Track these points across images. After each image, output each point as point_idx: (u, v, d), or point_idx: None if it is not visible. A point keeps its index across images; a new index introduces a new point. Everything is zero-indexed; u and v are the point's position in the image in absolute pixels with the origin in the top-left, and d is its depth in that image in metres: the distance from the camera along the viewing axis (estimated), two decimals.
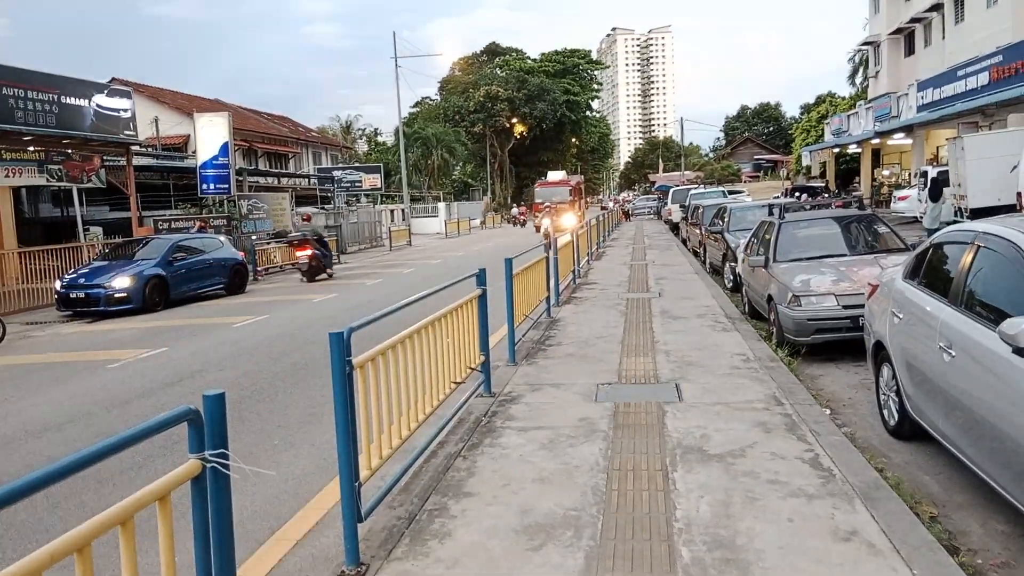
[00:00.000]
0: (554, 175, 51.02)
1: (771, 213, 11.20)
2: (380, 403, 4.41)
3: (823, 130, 52.40)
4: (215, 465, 2.52)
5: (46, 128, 19.15)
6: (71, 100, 20.06)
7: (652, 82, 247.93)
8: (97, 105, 20.87)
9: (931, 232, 18.44)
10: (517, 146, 78.89)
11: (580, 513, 4.29)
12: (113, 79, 32.80)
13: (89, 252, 19.90)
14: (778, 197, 30.33)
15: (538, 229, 32.60)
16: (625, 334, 9.62)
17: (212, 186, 26.35)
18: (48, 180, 20.39)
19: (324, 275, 21.32)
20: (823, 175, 47.68)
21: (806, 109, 79.29)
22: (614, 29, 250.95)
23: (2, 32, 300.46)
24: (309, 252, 20.82)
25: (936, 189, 18.23)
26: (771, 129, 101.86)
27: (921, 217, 20.05)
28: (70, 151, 20.76)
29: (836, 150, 44.83)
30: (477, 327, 6.83)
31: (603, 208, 71.50)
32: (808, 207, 13.41)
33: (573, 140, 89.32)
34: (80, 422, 7.54)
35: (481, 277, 7.12)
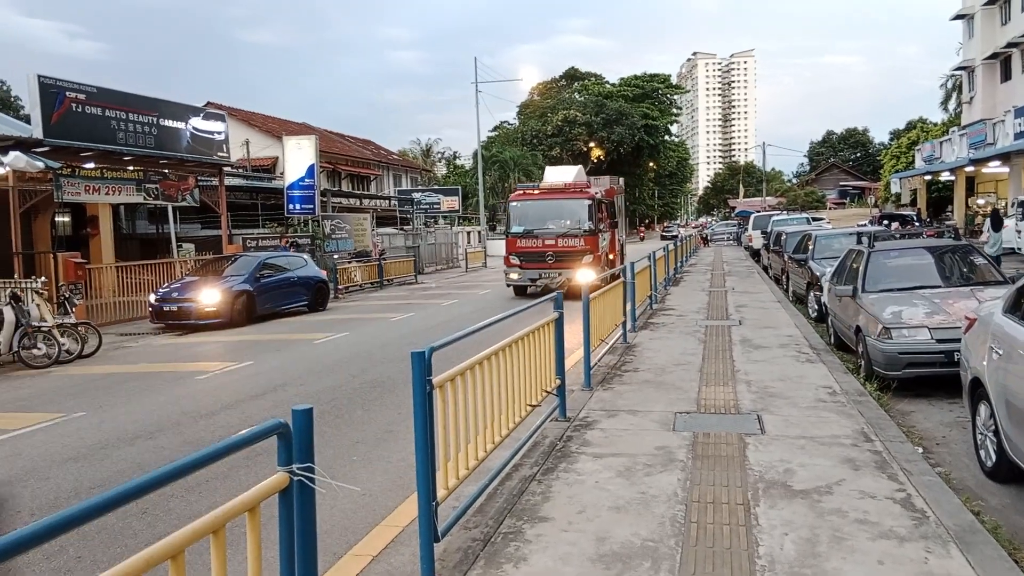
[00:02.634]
0: (557, 173, 22.87)
1: (860, 241, 10.85)
2: (458, 423, 4.43)
3: (913, 157, 50.60)
4: (302, 479, 2.57)
5: (145, 149, 20.15)
6: (169, 122, 21.06)
7: (733, 106, 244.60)
8: (193, 127, 21.85)
9: (995, 259, 18.28)
10: (594, 170, 78.61)
11: (658, 544, 4.20)
12: (208, 103, 34.31)
13: (181, 268, 20.77)
14: (863, 225, 29.36)
15: None
16: (704, 362, 9.43)
17: (298, 206, 27.20)
18: (145, 198, 21.39)
19: None
20: (913, 203, 46.00)
21: (896, 135, 76.90)
22: (695, 53, 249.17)
23: (102, 56, 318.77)
24: None
25: (997, 220, 21.04)
26: (858, 155, 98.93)
27: (984, 245, 20.67)
28: (167, 171, 21.76)
29: (928, 177, 43.19)
30: (553, 350, 6.82)
31: (665, 236, 63.20)
32: (898, 236, 12.93)
33: (651, 164, 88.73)
34: (170, 431, 7.83)
35: (558, 300, 7.12)
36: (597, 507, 4.78)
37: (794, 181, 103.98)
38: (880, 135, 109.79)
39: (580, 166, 24.40)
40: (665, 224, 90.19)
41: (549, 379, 6.68)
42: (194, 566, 3.89)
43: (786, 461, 5.52)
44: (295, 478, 2.55)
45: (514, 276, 19.81)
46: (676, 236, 46.61)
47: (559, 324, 6.92)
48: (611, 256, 21.82)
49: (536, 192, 21.06)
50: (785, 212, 41.78)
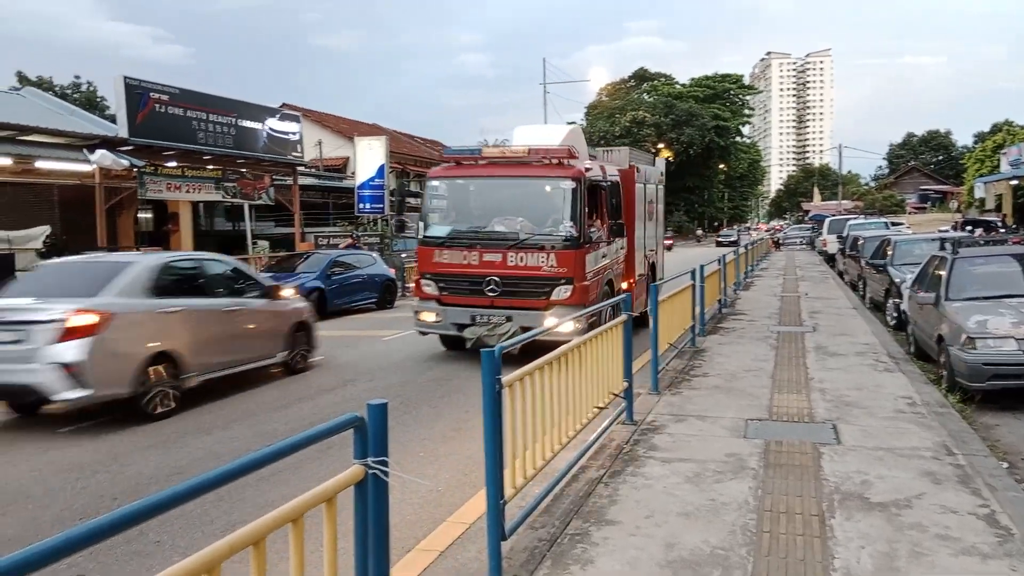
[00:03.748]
0: (533, 134, 12.48)
1: (943, 247, 10.45)
2: (525, 423, 4.44)
3: (999, 160, 48.45)
4: (376, 472, 2.62)
5: (224, 148, 20.82)
6: (247, 123, 21.74)
7: (808, 107, 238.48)
8: (270, 128, 22.51)
9: None
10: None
11: (728, 553, 4.12)
12: (284, 104, 35.21)
13: (256, 264, 21.39)
14: (945, 230, 28.28)
15: None
16: (776, 369, 9.21)
17: (368, 205, 27.71)
18: (224, 196, 22.12)
19: None
20: (998, 208, 44.04)
21: (980, 138, 73.88)
22: (769, 53, 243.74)
23: (185, 60, 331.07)
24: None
25: None
26: (940, 158, 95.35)
27: None
28: (244, 170, 22.44)
29: (1014, 182, 41.28)
30: (621, 353, 6.77)
31: (721, 243, 53.89)
32: (983, 242, 12.41)
33: (721, 166, 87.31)
34: (244, 422, 8.07)
35: (627, 303, 7.07)
36: (665, 512, 4.72)
37: (872, 184, 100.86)
38: (963, 138, 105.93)
39: (577, 127, 14.89)
40: (727, 232, 69.15)
41: (617, 382, 6.63)
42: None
43: (863, 472, 5.35)
44: (370, 471, 2.60)
45: (429, 317, 10.98)
46: (736, 243, 42.32)
47: (627, 327, 6.87)
48: (626, 284, 12.77)
49: (477, 162, 11.39)
50: (863, 216, 40.53)
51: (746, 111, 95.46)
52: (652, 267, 15.48)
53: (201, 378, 8.96)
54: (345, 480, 2.52)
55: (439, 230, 11.13)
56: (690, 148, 75.69)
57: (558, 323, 7.53)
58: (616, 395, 6.61)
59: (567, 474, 5.33)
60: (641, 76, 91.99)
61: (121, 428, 7.90)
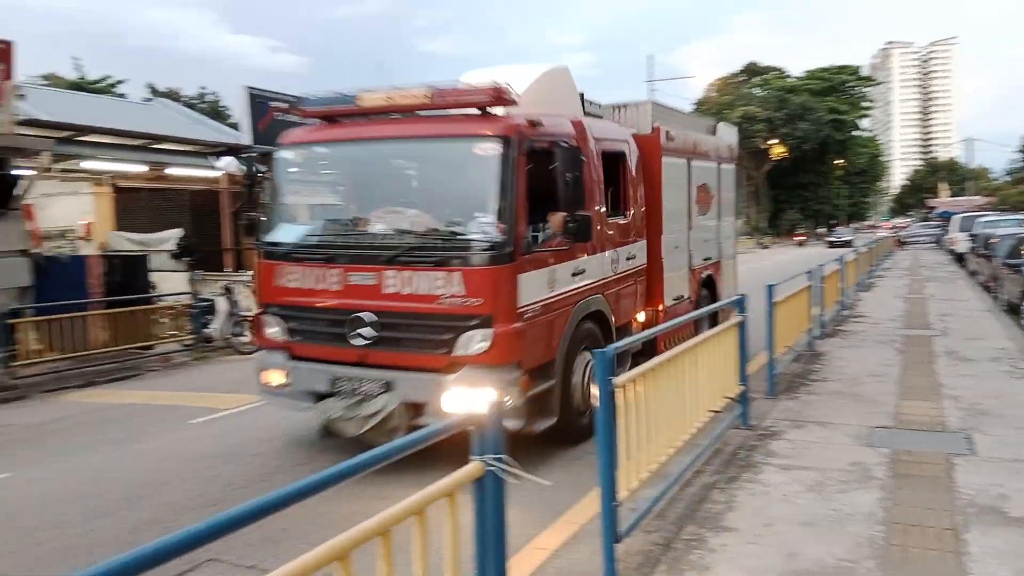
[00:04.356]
0: (479, 77, 7.21)
1: None
2: (639, 425, 4.39)
3: None
4: (494, 469, 2.66)
5: None
6: None
7: (932, 99, 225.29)
8: None
9: None
10: (774, 168, 75.40)
11: (855, 566, 3.94)
12: None
13: None
14: None
15: None
16: (903, 374, 8.75)
17: None
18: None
19: None
20: None
21: None
22: (889, 43, 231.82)
23: (304, 70, 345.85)
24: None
25: None
26: None
27: None
28: None
29: None
30: (736, 356, 6.60)
31: (834, 244, 47.48)
32: None
33: (838, 161, 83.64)
34: None
35: (741, 304, 6.88)
36: (786, 521, 4.57)
37: (1006, 178, 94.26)
38: None
39: (562, 68, 7.90)
40: (842, 231, 58.62)
41: (731, 385, 6.47)
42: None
43: (1000, 485, 5.02)
44: (488, 468, 2.64)
45: (275, 378, 6.82)
46: (849, 243, 39.93)
47: (742, 329, 6.70)
48: (643, 316, 8.46)
49: (355, 115, 7.14)
50: (998, 213, 37.88)
51: (864, 103, 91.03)
52: (709, 284, 10.75)
53: None
54: (465, 476, 2.58)
55: (286, 233, 7.04)
56: (804, 143, 72.91)
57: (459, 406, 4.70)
58: (731, 399, 6.45)
59: (681, 478, 5.24)
60: (751, 70, 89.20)
61: (247, 420, 8.32)
